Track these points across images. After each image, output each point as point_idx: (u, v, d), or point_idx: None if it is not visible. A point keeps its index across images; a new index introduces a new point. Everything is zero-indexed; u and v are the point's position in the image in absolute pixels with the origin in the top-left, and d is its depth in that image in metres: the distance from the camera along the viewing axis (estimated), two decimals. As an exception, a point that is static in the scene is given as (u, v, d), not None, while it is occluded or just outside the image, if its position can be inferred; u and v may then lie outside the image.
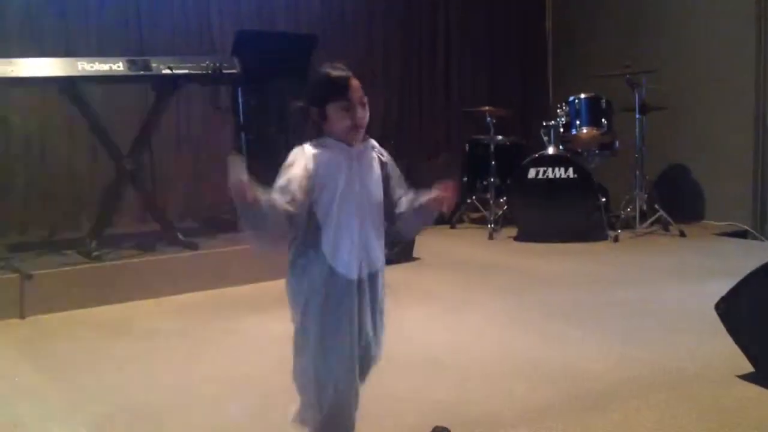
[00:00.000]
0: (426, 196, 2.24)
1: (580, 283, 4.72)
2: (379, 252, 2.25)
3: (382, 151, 2.30)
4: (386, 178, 2.28)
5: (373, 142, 2.29)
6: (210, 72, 4.94)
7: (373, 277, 2.24)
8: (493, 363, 3.29)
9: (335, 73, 2.17)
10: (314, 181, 2.13)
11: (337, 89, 2.14)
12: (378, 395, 2.90)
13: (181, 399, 2.95)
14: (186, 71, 4.89)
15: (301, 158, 2.14)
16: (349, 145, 2.19)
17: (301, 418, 2.26)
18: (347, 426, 2.25)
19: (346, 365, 2.20)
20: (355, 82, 2.17)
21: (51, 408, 2.92)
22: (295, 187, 2.09)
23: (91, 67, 4.61)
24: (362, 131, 2.20)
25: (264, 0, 6.55)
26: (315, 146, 2.17)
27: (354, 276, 2.18)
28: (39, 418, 2.82)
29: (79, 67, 4.58)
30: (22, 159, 5.65)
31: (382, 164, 2.28)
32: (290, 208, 2.08)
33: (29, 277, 4.21)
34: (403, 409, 2.78)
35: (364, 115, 2.17)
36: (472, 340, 3.67)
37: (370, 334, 2.27)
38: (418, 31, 7.38)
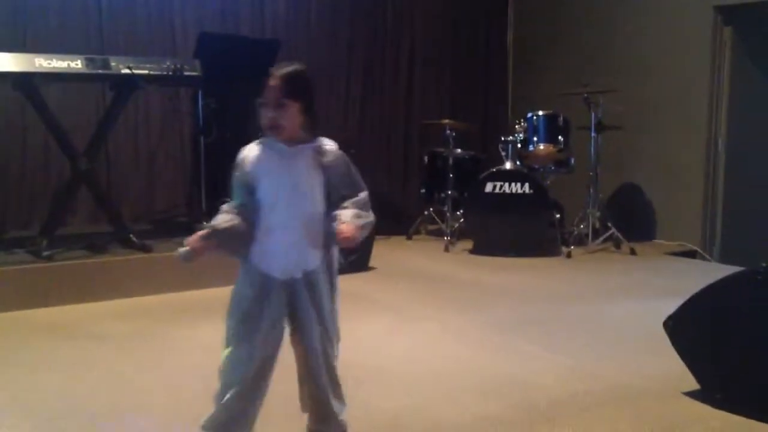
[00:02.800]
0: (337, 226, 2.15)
1: (533, 297, 4.78)
2: (311, 252, 2.23)
3: (328, 152, 2.24)
4: (326, 182, 2.24)
5: (321, 144, 2.25)
6: (170, 73, 4.90)
7: (309, 277, 2.24)
8: (443, 375, 3.31)
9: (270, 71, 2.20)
10: (248, 179, 2.23)
11: (263, 88, 2.20)
12: None
13: (124, 404, 2.91)
14: (146, 72, 4.83)
15: (239, 158, 2.26)
16: (287, 144, 2.22)
17: None
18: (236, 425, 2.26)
19: (250, 372, 2.23)
20: (272, 82, 2.18)
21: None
22: (235, 196, 2.25)
23: (49, 63, 4.53)
24: (277, 131, 2.19)
25: (228, 3, 6.51)
26: (255, 144, 2.26)
27: (281, 276, 2.21)
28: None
29: (36, 64, 4.50)
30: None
31: (323, 167, 2.23)
32: (234, 221, 2.19)
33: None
34: (351, 418, 2.78)
35: (274, 115, 2.17)
36: (424, 351, 3.68)
37: (314, 333, 2.27)
38: (382, 41, 7.41)
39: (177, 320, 4.12)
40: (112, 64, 4.75)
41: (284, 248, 2.21)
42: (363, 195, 2.25)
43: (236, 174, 2.25)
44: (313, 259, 2.24)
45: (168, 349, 3.63)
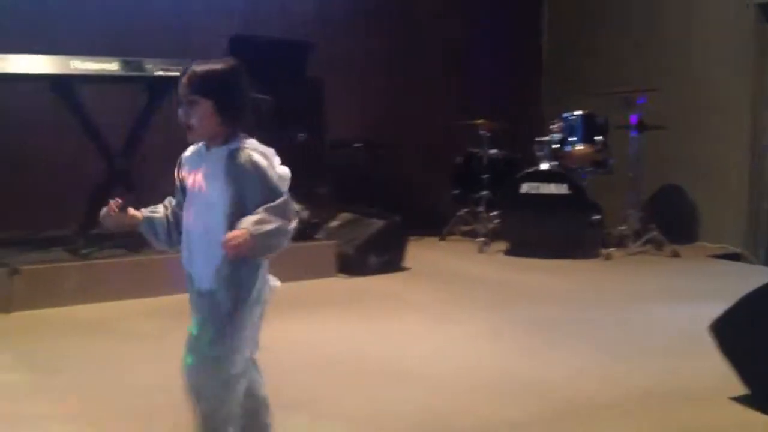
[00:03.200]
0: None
1: (569, 300, 4.70)
2: (202, 267, 2.03)
3: (239, 157, 2.00)
4: (236, 191, 1.99)
5: (238, 147, 2.02)
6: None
7: (200, 294, 2.05)
8: (472, 376, 3.26)
9: None
10: (179, 176, 2.17)
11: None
12: (340, 402, 2.89)
13: (158, 401, 2.90)
14: (180, 73, 4.84)
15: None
16: (207, 146, 2.08)
17: None
18: None
19: None
20: (184, 78, 2.04)
21: (27, 404, 2.87)
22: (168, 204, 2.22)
23: (84, 66, 4.59)
24: (188, 131, 2.04)
25: (258, 4, 6.52)
26: (195, 144, 2.15)
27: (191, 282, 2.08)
28: (16, 414, 2.77)
29: (72, 66, 4.55)
30: (10, 155, 5.60)
31: (232, 174, 1.99)
32: (156, 212, 2.19)
33: (16, 272, 4.17)
34: (377, 416, 2.75)
35: (182, 113, 2.03)
36: (454, 352, 3.63)
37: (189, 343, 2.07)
38: (416, 41, 7.37)
39: None
40: (147, 66, 4.79)
41: (187, 254, 2.08)
42: (279, 200, 1.97)
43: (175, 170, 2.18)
44: (207, 278, 2.03)
45: None
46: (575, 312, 4.38)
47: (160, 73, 4.79)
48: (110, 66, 4.66)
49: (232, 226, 1.95)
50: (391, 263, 5.47)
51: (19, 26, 5.51)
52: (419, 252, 5.89)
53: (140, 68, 4.75)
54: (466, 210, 6.76)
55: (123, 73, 4.70)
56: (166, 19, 6.09)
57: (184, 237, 2.11)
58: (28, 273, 4.24)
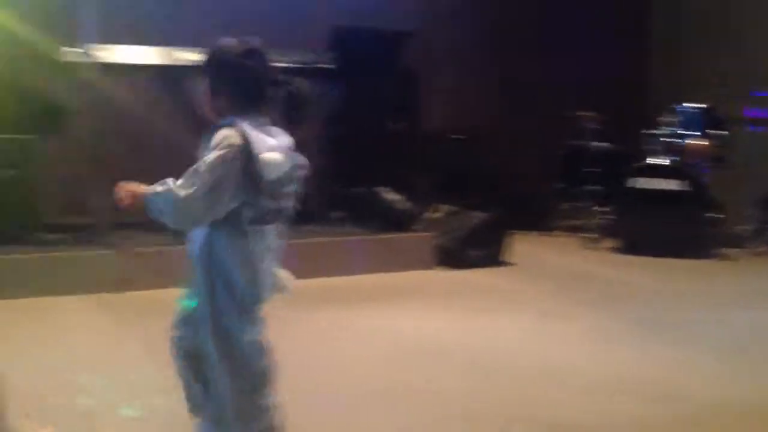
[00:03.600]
0: None
1: (687, 301, 4.47)
2: (194, 243, 2.00)
3: (217, 136, 1.92)
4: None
5: (222, 127, 1.94)
6: (307, 66, 4.99)
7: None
8: (580, 372, 3.15)
9: None
10: None
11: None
12: (464, 395, 2.86)
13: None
14: (285, 65, 4.93)
15: None
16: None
17: None
18: None
19: None
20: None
21: (142, 374, 2.99)
22: None
23: (188, 56, 4.75)
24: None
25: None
26: None
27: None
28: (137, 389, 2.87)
29: (175, 57, 4.72)
30: (123, 141, 5.86)
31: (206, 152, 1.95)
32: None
33: (130, 253, 4.34)
34: (487, 408, 2.72)
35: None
36: (563, 348, 3.52)
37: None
38: (518, 30, 7.22)
39: (332, 305, 4.13)
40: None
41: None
42: (192, 168, 1.91)
43: None
44: (192, 295, 2.01)
45: (323, 334, 3.65)
46: (692, 312, 4.16)
47: (265, 63, 4.89)
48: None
49: (209, 235, 1.97)
50: (492, 257, 5.37)
51: (130, 19, 5.77)
52: (520, 246, 5.75)
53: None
54: (569, 204, 6.56)
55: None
56: (272, 10, 6.21)
57: None
58: (140, 255, 4.40)
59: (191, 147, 5.80)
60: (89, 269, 4.31)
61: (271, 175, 1.94)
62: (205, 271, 1.98)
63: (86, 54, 4.48)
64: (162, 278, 4.36)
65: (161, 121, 5.86)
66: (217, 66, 2.01)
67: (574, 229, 6.55)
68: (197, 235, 2.00)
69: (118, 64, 4.64)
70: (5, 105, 4.62)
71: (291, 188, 2.03)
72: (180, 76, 4.81)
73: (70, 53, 4.53)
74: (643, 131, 6.07)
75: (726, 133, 5.93)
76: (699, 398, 2.85)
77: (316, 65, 4.98)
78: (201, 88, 2.02)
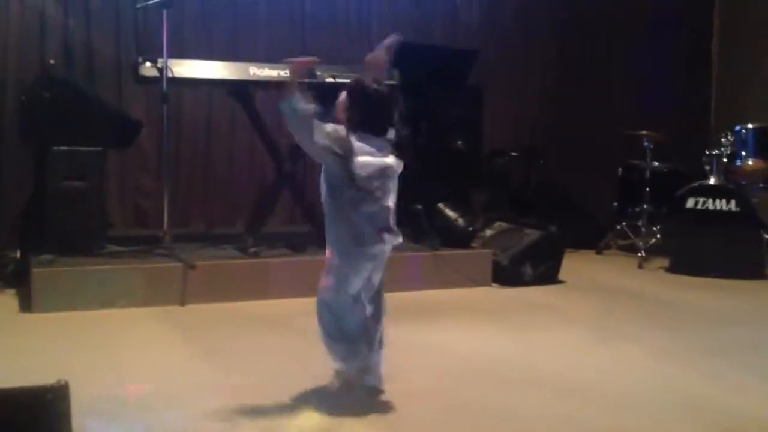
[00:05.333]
0: None
1: (740, 320, 4.48)
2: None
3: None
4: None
5: None
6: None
7: None
8: (643, 395, 3.16)
9: None
10: None
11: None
12: (527, 417, 2.88)
13: (321, 395, 3.01)
14: (348, 80, 4.99)
15: None
16: None
17: None
18: None
19: None
20: None
21: (201, 386, 3.06)
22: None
23: (262, 72, 4.83)
24: None
25: (424, 12, 6.62)
26: None
27: None
28: (198, 396, 2.95)
29: (250, 72, 4.81)
30: (188, 155, 5.97)
31: None
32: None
33: (193, 267, 4.43)
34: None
35: None
36: (621, 369, 3.53)
37: None
38: (578, 47, 7.25)
39: None
40: (318, 72, 4.97)
41: None
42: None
43: None
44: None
45: None
46: (748, 334, 4.16)
47: (330, 79, 4.96)
48: (285, 73, 4.85)
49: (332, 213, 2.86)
50: (547, 275, 5.40)
51: (201, 33, 5.88)
52: (575, 265, 5.78)
53: (312, 75, 4.93)
54: (625, 223, 6.57)
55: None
56: (337, 27, 6.29)
57: None
58: (202, 268, 4.48)
59: (260, 160, 5.96)
60: (153, 281, 4.41)
61: (363, 172, 2.76)
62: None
63: (157, 67, 4.54)
64: (223, 292, 4.45)
65: (229, 136, 5.97)
66: (358, 94, 2.92)
67: (629, 248, 6.55)
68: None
69: (188, 78, 4.69)
70: (74, 117, 4.70)
71: (383, 182, 2.82)
72: (250, 91, 4.90)
73: (142, 67, 4.60)
74: (705, 151, 6.05)
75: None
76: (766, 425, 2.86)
77: (385, 82, 5.00)
78: (341, 100, 2.93)
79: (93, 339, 3.75)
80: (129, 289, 4.33)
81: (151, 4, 4.71)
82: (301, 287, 4.63)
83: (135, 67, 4.72)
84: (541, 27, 7.09)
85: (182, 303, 4.40)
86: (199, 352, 3.60)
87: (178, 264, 4.46)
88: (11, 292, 4.53)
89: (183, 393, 3.04)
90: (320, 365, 3.20)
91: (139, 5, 5.06)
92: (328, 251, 2.92)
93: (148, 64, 4.62)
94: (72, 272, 4.31)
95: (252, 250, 4.79)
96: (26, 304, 4.22)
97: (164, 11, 4.55)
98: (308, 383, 3.11)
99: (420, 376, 3.28)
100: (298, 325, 4.08)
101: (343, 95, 2.92)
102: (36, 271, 4.22)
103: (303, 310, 4.35)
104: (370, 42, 6.41)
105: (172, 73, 4.59)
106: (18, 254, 4.80)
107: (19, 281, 4.54)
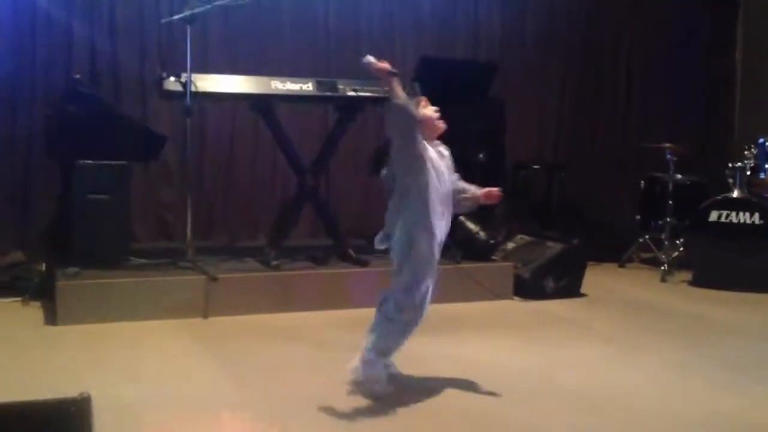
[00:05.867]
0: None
1: (762, 337, 4.43)
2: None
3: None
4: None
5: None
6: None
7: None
8: (665, 411, 3.14)
9: None
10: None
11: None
12: (547, 428, 2.87)
13: (344, 406, 3.02)
14: (370, 94, 5.04)
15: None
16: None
17: None
18: None
19: None
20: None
21: (225, 399, 3.08)
22: None
23: (284, 86, 4.87)
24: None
25: (446, 26, 6.65)
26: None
27: None
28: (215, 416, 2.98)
29: (273, 86, 4.85)
30: (211, 169, 6.02)
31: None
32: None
33: (215, 279, 4.46)
34: None
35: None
36: (645, 383, 3.51)
37: None
38: (599, 60, 7.24)
39: None
40: (339, 86, 5.01)
41: None
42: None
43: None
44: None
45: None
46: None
47: (351, 93, 4.99)
48: (306, 86, 4.92)
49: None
50: (569, 288, 5.37)
51: (226, 48, 5.94)
52: (597, 278, 5.76)
53: (334, 88, 4.97)
54: (648, 236, 6.53)
55: (318, 93, 4.94)
56: (362, 41, 6.33)
57: None
58: (225, 281, 4.52)
59: (282, 174, 5.98)
60: (175, 294, 4.44)
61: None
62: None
63: (181, 82, 4.59)
64: (246, 304, 4.48)
65: (251, 150, 6.01)
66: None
67: (652, 262, 6.51)
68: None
69: (211, 93, 4.75)
70: (99, 131, 4.76)
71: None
72: (272, 105, 4.94)
73: (166, 81, 4.65)
74: (728, 165, 6.01)
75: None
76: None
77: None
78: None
79: (117, 352, 3.79)
80: (152, 302, 4.38)
81: (174, 19, 4.77)
82: (323, 300, 4.69)
83: (159, 82, 4.77)
84: (562, 41, 7.08)
85: (205, 315, 4.44)
86: (221, 364, 3.62)
87: (201, 276, 4.49)
88: (36, 304, 4.59)
89: (204, 405, 3.06)
90: (341, 377, 3.23)
91: (163, 21, 5.12)
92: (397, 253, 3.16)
93: (172, 78, 4.67)
94: (96, 285, 4.36)
95: (274, 263, 4.82)
96: (51, 317, 4.28)
97: (188, 27, 4.60)
98: (329, 395, 3.12)
99: (441, 388, 3.28)
100: (319, 337, 4.12)
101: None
102: (60, 284, 4.28)
103: (324, 322, 4.43)
104: (393, 56, 6.45)
105: (196, 87, 4.63)
106: (44, 267, 4.86)
107: (44, 294, 4.60)
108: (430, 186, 3.07)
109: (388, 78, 3.03)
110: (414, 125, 3.03)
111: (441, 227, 3.14)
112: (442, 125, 3.24)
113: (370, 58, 3.06)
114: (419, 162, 3.05)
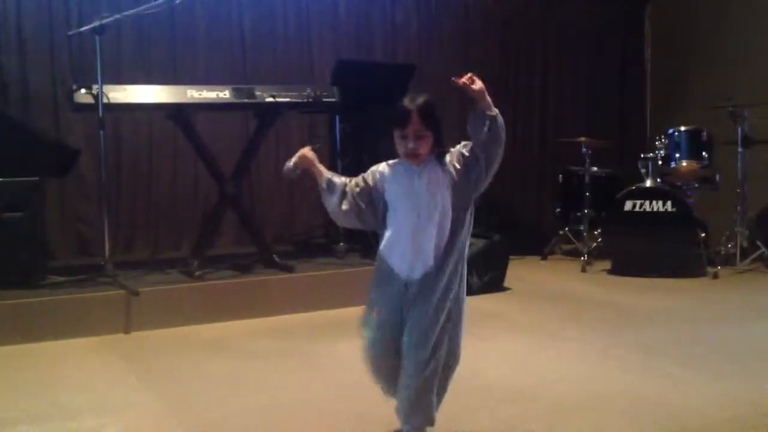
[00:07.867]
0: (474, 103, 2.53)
1: (679, 320, 4.60)
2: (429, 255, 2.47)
3: (454, 160, 2.53)
4: (455, 184, 2.51)
5: (449, 156, 2.53)
6: (310, 100, 5.09)
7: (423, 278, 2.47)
8: (588, 396, 3.23)
9: (402, 105, 2.44)
10: (372, 195, 2.54)
11: (398, 120, 2.42)
12: (469, 424, 2.92)
13: (274, 419, 3.01)
14: (288, 99, 5.04)
15: (369, 173, 2.57)
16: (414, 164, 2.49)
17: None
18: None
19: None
20: (413, 116, 2.42)
21: (152, 417, 3.03)
22: (348, 190, 2.55)
23: (200, 94, 4.81)
24: (417, 159, 2.47)
25: (362, 28, 6.69)
26: (387, 165, 2.57)
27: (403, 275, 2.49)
28: (140, 426, 2.93)
29: (188, 95, 4.79)
30: (130, 181, 5.91)
31: (452, 173, 2.51)
32: (344, 207, 2.53)
33: (136, 294, 4.38)
34: None
35: (414, 146, 2.44)
36: (567, 372, 3.60)
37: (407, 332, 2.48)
38: (515, 58, 7.39)
39: (318, 337, 4.23)
40: (257, 93, 4.98)
41: (409, 251, 2.47)
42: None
43: (355, 181, 2.57)
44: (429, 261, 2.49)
45: (311, 366, 3.73)
46: (687, 331, 4.29)
47: (270, 99, 4.97)
48: (223, 94, 4.88)
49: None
50: (493, 283, 5.47)
51: (139, 58, 5.84)
52: (520, 272, 5.88)
53: (251, 95, 4.94)
54: (567, 228, 6.70)
55: (235, 100, 4.90)
56: (278, 46, 6.31)
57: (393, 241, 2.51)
58: (146, 294, 4.44)
59: (204, 183, 5.89)
60: (95, 310, 4.35)
61: None
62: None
63: (92, 94, 4.50)
64: (169, 317, 4.42)
65: (171, 160, 5.93)
66: (440, 122, 2.52)
67: (572, 253, 6.68)
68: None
69: (124, 104, 4.66)
70: (10, 146, 4.63)
71: None
72: (189, 114, 4.88)
73: (77, 94, 4.55)
74: (641, 156, 6.22)
75: (705, 155, 6.10)
76: (705, 418, 2.94)
77: (321, 99, 5.07)
78: (427, 141, 2.48)
79: (36, 373, 3.68)
80: (71, 320, 4.26)
81: (83, 30, 4.66)
82: (248, 308, 4.65)
83: (70, 95, 4.65)
84: (477, 39, 7.20)
85: (126, 331, 4.35)
86: (144, 380, 3.56)
87: (121, 291, 4.41)
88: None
89: (131, 426, 3.01)
90: (271, 389, 3.21)
91: (70, 33, 5.00)
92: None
93: (83, 90, 4.55)
94: (9, 306, 4.21)
95: (197, 273, 4.76)
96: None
97: (97, 38, 4.50)
98: (255, 406, 3.10)
99: (365, 385, 3.30)
100: (244, 347, 4.09)
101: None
102: (-24, 307, 4.13)
103: (250, 330, 4.40)
104: (311, 61, 6.47)
105: (108, 99, 4.54)
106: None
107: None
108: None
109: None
110: None
111: None
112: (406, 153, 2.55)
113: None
114: None
